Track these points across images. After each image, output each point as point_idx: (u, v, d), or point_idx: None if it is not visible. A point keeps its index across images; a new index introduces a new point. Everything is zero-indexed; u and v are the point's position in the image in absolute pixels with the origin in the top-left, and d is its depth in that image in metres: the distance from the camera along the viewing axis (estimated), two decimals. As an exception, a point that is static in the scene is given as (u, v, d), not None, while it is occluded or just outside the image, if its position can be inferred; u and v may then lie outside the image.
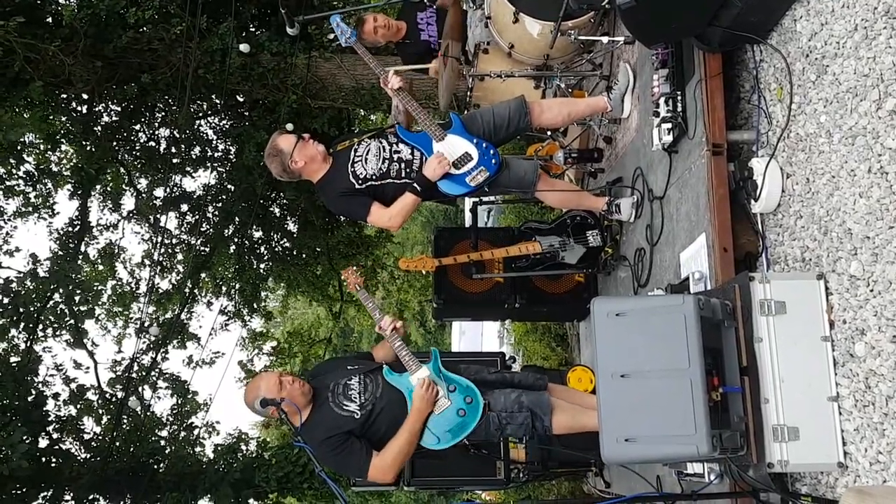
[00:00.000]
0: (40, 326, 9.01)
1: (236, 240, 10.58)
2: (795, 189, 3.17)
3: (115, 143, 9.49)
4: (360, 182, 4.11)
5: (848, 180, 2.80)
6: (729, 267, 3.36)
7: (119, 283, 10.70)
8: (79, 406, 8.97)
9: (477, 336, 18.35)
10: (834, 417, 2.77)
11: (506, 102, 4.33)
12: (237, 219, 10.26)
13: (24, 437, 7.23)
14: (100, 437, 8.93)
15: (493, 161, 4.13)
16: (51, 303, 9.07)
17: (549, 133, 5.49)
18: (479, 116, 4.30)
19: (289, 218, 10.98)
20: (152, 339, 9.64)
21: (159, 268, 10.25)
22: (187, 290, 10.41)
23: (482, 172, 4.13)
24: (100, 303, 10.35)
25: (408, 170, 4.14)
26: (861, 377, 2.67)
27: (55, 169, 9.77)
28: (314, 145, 4.14)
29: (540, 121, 4.35)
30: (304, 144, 4.12)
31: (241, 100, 9.27)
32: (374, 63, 4.33)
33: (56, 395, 8.82)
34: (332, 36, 4.43)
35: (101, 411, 9.19)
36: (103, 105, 9.11)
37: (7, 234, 9.53)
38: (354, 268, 4.16)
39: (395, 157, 4.14)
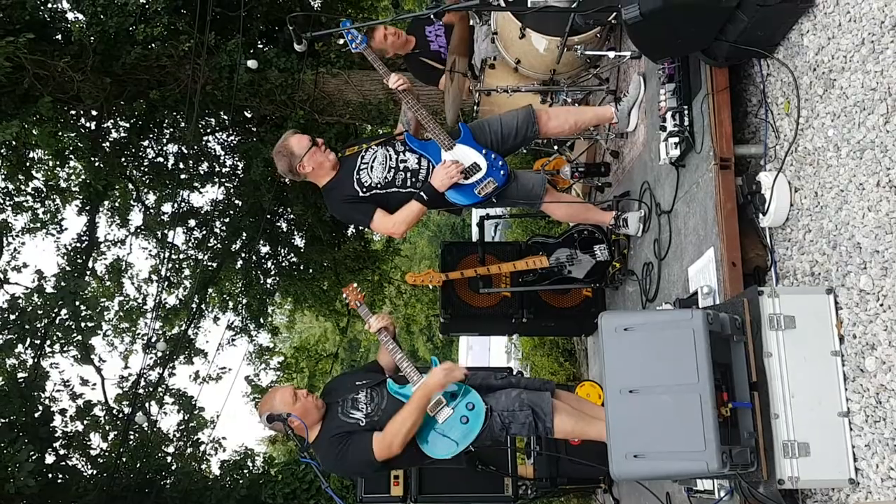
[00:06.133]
0: (47, 342, 9.02)
1: (243, 255, 10.60)
2: (804, 203, 3.15)
3: (123, 159, 9.54)
4: (364, 190, 4.10)
5: (856, 194, 2.79)
6: (737, 281, 3.35)
7: (126, 298, 10.73)
8: (86, 422, 8.96)
9: (484, 351, 18.31)
10: (845, 433, 2.74)
11: (513, 112, 4.32)
12: (244, 234, 10.29)
13: (31, 455, 7.23)
14: (106, 453, 8.92)
15: (502, 172, 4.13)
16: (58, 319, 9.08)
17: (555, 147, 5.49)
18: (487, 125, 4.29)
19: (296, 233, 11.01)
20: (159, 354, 9.64)
21: (166, 283, 10.27)
22: (194, 305, 10.43)
23: (490, 183, 4.12)
24: (107, 318, 10.37)
25: (413, 179, 4.13)
26: (872, 392, 2.65)
27: (63, 185, 9.81)
28: (326, 153, 4.12)
29: (547, 128, 4.35)
30: (316, 150, 4.10)
31: (249, 116, 9.33)
32: (382, 68, 4.32)
33: (63, 411, 8.82)
34: (341, 42, 4.42)
35: (107, 427, 9.18)
36: (112, 121, 9.18)
37: (15, 250, 9.58)
38: (355, 284, 4.17)
39: (402, 166, 4.13)
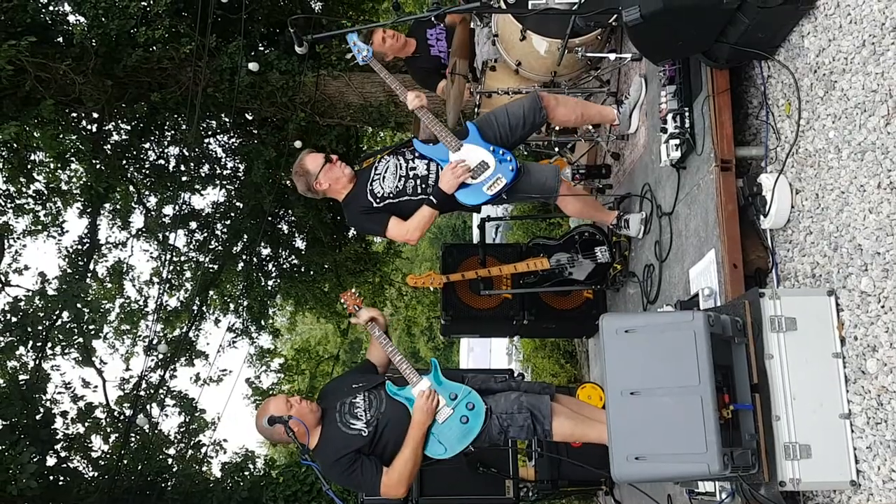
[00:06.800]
0: (49, 344, 9.02)
1: (244, 257, 10.60)
2: (805, 205, 3.16)
3: (124, 162, 9.54)
4: (377, 200, 4.12)
5: (857, 196, 2.79)
6: (739, 283, 3.35)
7: (127, 300, 10.72)
8: (87, 424, 8.96)
9: (485, 353, 18.32)
10: (846, 435, 2.74)
11: (519, 101, 4.30)
12: (245, 236, 10.29)
13: (33, 457, 7.24)
14: (108, 455, 8.92)
15: (511, 168, 4.10)
16: (59, 321, 9.08)
17: (556, 149, 5.49)
18: (494, 118, 4.25)
19: (297, 235, 11.02)
20: (160, 356, 9.64)
21: (168, 285, 10.28)
22: (195, 307, 10.43)
23: (499, 181, 4.09)
24: (108, 321, 10.37)
25: (423, 185, 4.13)
26: (873, 394, 2.65)
27: (65, 187, 9.81)
28: (341, 168, 4.16)
29: (555, 114, 4.31)
30: (330, 167, 4.14)
31: (250, 118, 9.32)
32: (390, 79, 4.34)
33: (64, 414, 8.81)
34: (349, 56, 4.45)
35: (109, 429, 9.18)
36: (113, 123, 9.17)
37: (17, 252, 9.59)
38: (354, 290, 4.19)
39: (411, 173, 4.14)
